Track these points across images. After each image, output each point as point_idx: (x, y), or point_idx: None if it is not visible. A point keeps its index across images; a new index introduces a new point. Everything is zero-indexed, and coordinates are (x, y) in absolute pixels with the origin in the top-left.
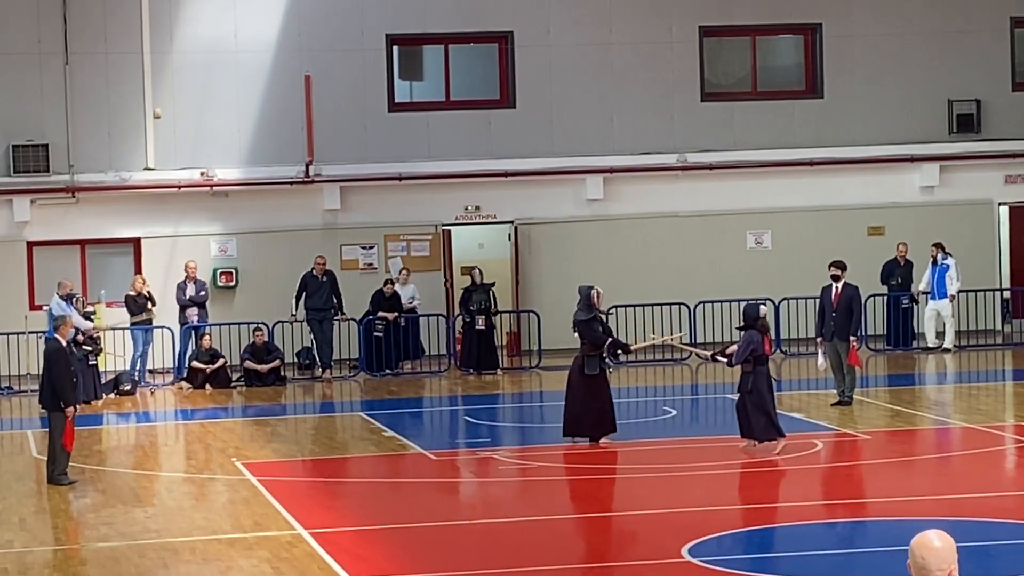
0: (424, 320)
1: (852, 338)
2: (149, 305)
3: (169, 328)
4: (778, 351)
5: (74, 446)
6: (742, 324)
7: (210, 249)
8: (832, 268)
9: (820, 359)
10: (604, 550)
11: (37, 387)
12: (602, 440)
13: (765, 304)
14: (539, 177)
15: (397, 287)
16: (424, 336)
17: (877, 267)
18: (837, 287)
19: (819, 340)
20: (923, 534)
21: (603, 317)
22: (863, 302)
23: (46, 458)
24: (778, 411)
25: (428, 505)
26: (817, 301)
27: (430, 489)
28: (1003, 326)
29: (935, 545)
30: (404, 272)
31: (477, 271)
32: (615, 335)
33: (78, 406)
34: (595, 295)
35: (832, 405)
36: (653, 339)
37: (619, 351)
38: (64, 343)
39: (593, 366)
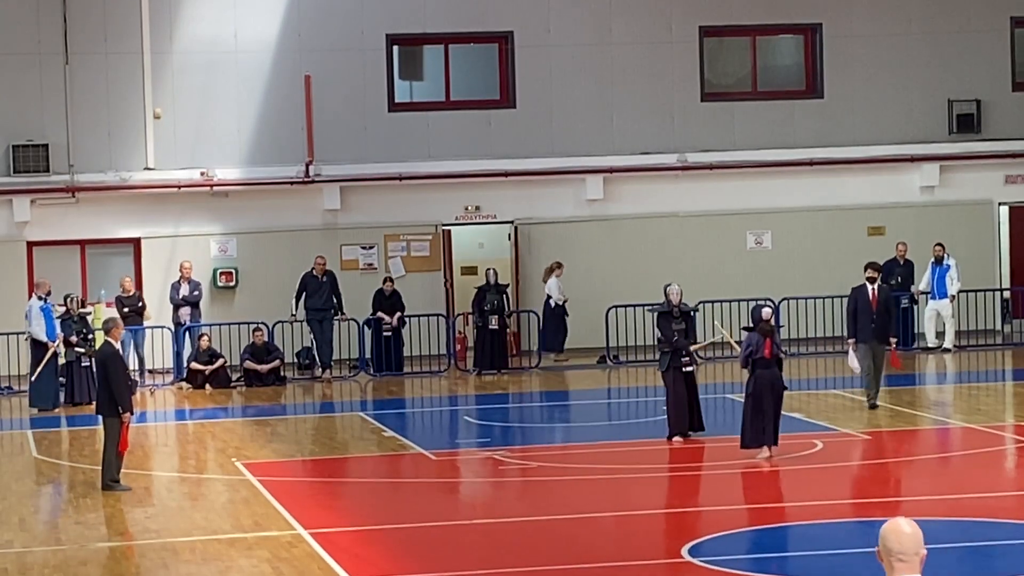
0: (424, 320)
1: (893, 339)
2: (140, 305)
3: (169, 328)
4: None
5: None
6: (749, 325)
7: (210, 249)
8: (869, 270)
9: (854, 362)
10: (604, 550)
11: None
12: (673, 439)
13: (769, 307)
14: (539, 177)
15: (551, 280)
16: (424, 336)
17: None
18: (873, 288)
19: (852, 342)
20: (892, 521)
21: (689, 314)
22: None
23: (101, 466)
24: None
25: (428, 505)
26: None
27: (430, 489)
28: (1003, 326)
29: (907, 531)
30: (559, 268)
31: (492, 271)
32: (692, 333)
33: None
34: (670, 292)
35: (871, 408)
36: (714, 339)
37: (680, 351)
38: (117, 346)
39: (663, 363)
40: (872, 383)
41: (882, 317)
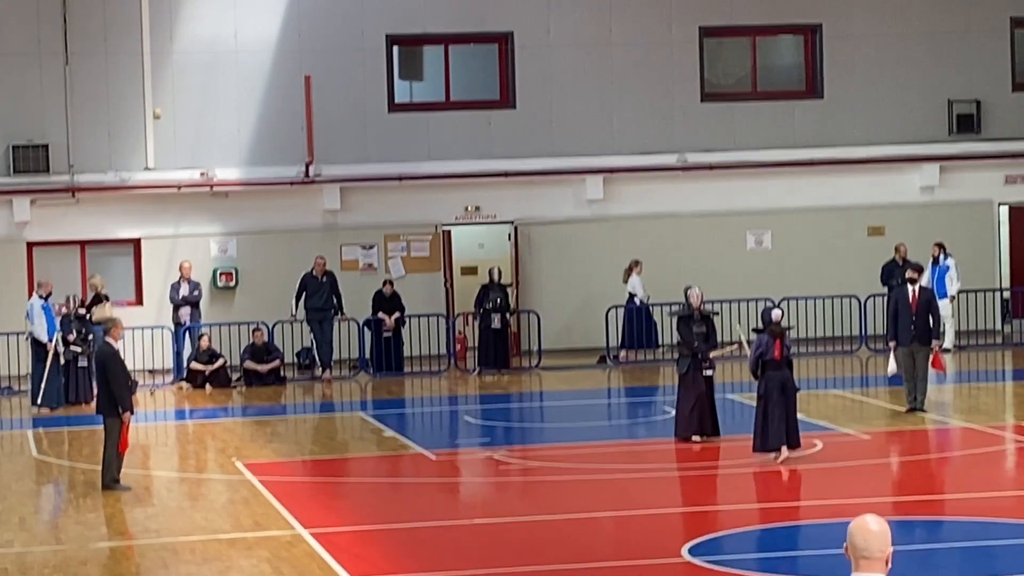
0: (424, 320)
1: (935, 342)
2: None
3: (169, 328)
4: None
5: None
6: (759, 327)
7: (210, 249)
8: (910, 271)
9: (892, 365)
10: (604, 550)
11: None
12: (693, 437)
13: (780, 308)
14: (539, 177)
15: (632, 278)
16: (424, 336)
17: (877, 267)
18: (914, 290)
19: (892, 345)
20: (860, 518)
21: (710, 317)
22: (862, 303)
23: (101, 466)
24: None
25: (428, 505)
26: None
27: (430, 489)
28: (1003, 326)
29: (874, 529)
30: (638, 266)
31: (495, 270)
32: (712, 336)
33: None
34: (691, 295)
35: (907, 412)
36: (731, 341)
37: (700, 355)
38: (117, 346)
39: (683, 365)
40: (912, 386)
41: (922, 319)
